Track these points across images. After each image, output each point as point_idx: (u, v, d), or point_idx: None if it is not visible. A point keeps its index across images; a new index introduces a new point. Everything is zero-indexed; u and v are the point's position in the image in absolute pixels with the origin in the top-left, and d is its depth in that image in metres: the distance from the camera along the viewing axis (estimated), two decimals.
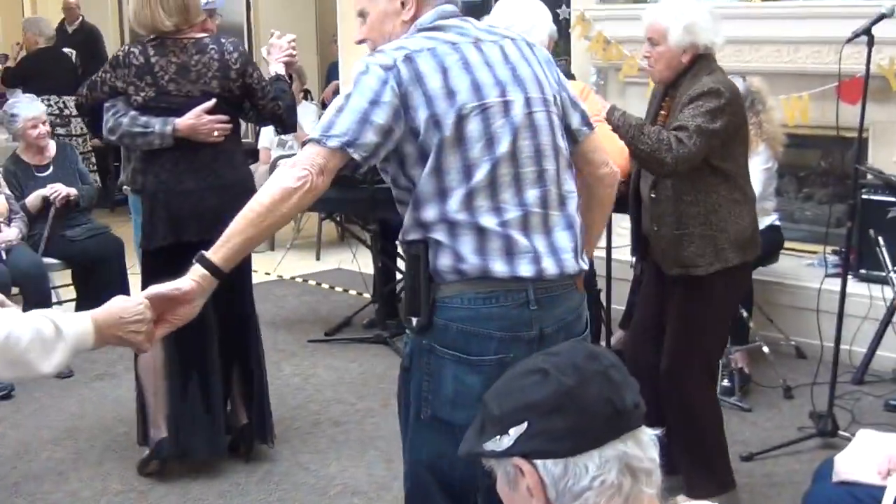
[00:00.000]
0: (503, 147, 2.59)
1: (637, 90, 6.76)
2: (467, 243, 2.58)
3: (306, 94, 9.77)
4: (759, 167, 5.52)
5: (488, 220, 2.58)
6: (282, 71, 4.45)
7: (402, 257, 4.94)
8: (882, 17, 4.61)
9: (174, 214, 4.31)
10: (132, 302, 2.33)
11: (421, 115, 2.54)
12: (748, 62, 6.33)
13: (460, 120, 2.55)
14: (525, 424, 1.56)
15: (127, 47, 4.38)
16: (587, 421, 1.55)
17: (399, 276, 6.57)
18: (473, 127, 2.57)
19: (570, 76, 7.36)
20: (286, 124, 4.50)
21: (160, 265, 4.05)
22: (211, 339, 4.47)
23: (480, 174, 2.57)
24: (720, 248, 3.96)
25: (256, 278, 7.66)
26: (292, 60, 4.51)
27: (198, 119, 4.22)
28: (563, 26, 7.43)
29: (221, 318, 4.43)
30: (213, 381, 4.53)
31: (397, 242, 2.78)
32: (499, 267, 2.58)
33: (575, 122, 2.80)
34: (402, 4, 2.67)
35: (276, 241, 8.79)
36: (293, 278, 7.99)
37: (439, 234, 2.58)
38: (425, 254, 2.59)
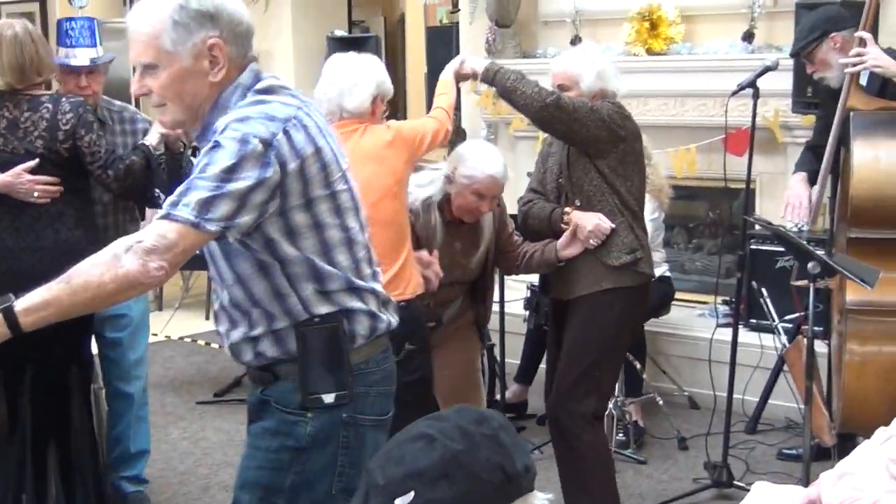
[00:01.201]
0: (359, 211, 2.61)
1: (526, 144, 6.79)
2: (372, 303, 2.59)
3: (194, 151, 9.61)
4: (646, 217, 5.53)
5: (373, 282, 2.61)
6: (152, 142, 4.29)
7: None
8: (766, 69, 4.69)
9: None
10: None
11: (301, 188, 2.43)
12: (636, 115, 6.33)
13: (334, 191, 2.49)
14: (411, 494, 1.48)
15: None
16: (477, 488, 1.48)
17: None
18: (345, 196, 2.53)
19: (461, 131, 7.41)
20: (119, 195, 4.31)
21: None
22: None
23: (359, 239, 2.58)
24: (608, 267, 4.09)
25: None
26: (169, 134, 4.32)
27: (16, 178, 4.05)
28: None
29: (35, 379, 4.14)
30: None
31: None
32: (393, 319, 2.65)
33: None
34: (211, 64, 2.45)
35: (164, 300, 8.59)
36: (181, 338, 7.79)
37: (352, 301, 2.54)
38: (341, 325, 2.52)
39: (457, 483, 1.48)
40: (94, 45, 4.45)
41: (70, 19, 4.52)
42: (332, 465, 2.56)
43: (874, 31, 4.64)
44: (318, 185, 2.45)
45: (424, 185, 4.35)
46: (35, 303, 2.29)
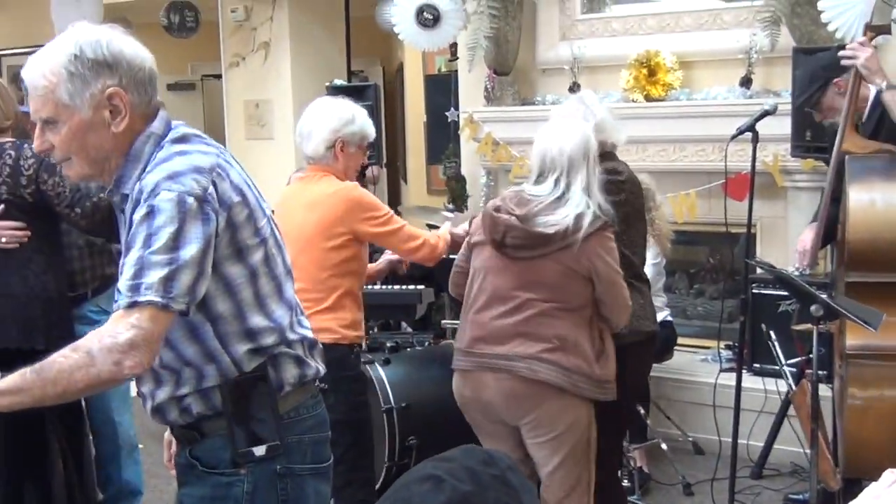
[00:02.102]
0: (284, 255, 2.55)
1: None
2: (300, 349, 2.53)
3: None
4: (648, 262, 5.54)
5: (301, 328, 2.57)
6: None
7: None
8: (765, 113, 4.70)
9: None
10: None
11: (230, 237, 2.36)
12: (635, 161, 6.37)
13: (263, 238, 2.43)
14: None
15: None
16: None
17: None
18: (271, 242, 2.47)
19: (461, 178, 7.43)
20: (89, 232, 4.25)
21: None
22: None
23: (287, 284, 2.52)
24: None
25: None
26: None
27: None
28: (452, 128, 7.50)
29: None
30: None
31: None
32: (320, 366, 2.61)
33: None
34: (113, 114, 2.34)
35: None
36: None
37: (280, 348, 2.47)
38: (267, 374, 2.45)
39: None
40: None
41: None
42: None
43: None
44: (247, 233, 2.38)
45: None
46: (9, 387, 2.25)
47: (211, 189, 2.30)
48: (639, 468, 5.38)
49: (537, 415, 3.67)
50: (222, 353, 2.40)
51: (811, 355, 3.95)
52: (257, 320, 2.42)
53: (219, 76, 9.78)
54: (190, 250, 2.24)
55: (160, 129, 2.41)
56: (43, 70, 2.32)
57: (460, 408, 3.89)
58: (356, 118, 4.06)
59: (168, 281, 2.22)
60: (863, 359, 4.34)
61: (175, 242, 2.23)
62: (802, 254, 4.76)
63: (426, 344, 6.01)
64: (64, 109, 2.32)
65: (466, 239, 3.97)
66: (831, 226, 4.82)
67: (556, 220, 3.59)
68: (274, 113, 8.99)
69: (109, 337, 2.20)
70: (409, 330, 6.66)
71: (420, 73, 9.55)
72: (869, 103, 4.56)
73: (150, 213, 2.25)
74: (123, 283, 2.25)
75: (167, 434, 2.71)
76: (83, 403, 4.50)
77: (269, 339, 2.44)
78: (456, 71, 7.66)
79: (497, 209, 3.71)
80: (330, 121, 4.03)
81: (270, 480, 2.45)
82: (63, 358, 2.23)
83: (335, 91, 7.68)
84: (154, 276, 2.22)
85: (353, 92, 7.59)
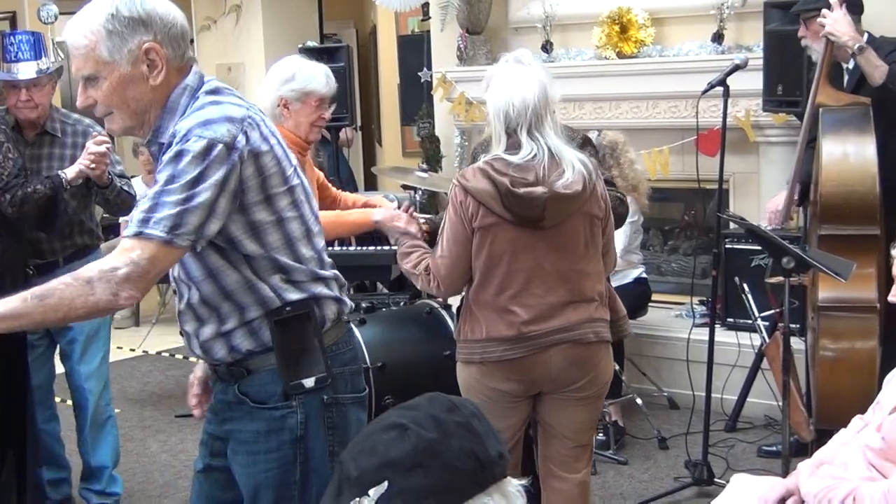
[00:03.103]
0: (312, 202, 2.68)
1: None
2: (335, 288, 2.68)
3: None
4: (627, 220, 5.56)
5: (332, 269, 2.71)
6: (68, 175, 4.27)
7: None
8: (736, 67, 4.69)
9: None
10: None
11: (260, 184, 2.48)
12: (609, 119, 6.42)
13: (290, 186, 2.56)
14: (385, 484, 1.47)
15: None
16: (450, 476, 1.47)
17: None
18: (299, 190, 2.60)
19: (435, 139, 7.42)
20: (14, 218, 4.26)
21: None
22: None
23: (315, 228, 2.66)
24: None
25: (121, 355, 7.50)
26: (90, 172, 4.29)
27: None
28: (425, 89, 7.48)
29: None
30: None
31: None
32: (350, 302, 2.76)
33: None
34: (150, 67, 2.48)
35: (141, 316, 8.56)
36: (159, 353, 7.76)
37: (319, 288, 2.61)
38: (313, 310, 2.59)
39: (431, 472, 1.47)
40: (37, 58, 4.42)
41: (12, 34, 4.55)
42: (326, 447, 2.62)
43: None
44: (276, 180, 2.51)
45: None
46: (10, 311, 2.36)
47: (241, 137, 2.43)
48: (614, 423, 5.42)
49: (595, 374, 3.63)
50: (259, 282, 2.53)
51: (784, 308, 3.97)
52: (286, 260, 2.55)
53: (191, 41, 9.69)
54: (206, 193, 2.37)
55: (194, 81, 2.54)
56: (83, 30, 2.45)
57: (483, 399, 3.55)
58: (297, 75, 4.02)
59: (177, 218, 2.36)
60: (835, 311, 4.38)
61: (195, 185, 2.37)
62: (774, 213, 4.78)
63: (402, 304, 6.02)
64: (105, 66, 2.45)
65: (457, 227, 3.51)
66: (806, 182, 4.84)
67: (571, 177, 3.46)
68: (246, 76, 8.94)
69: (109, 270, 2.35)
70: (385, 291, 6.67)
71: (393, 35, 9.51)
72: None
73: (179, 155, 2.39)
74: (137, 213, 2.40)
75: (195, 374, 2.87)
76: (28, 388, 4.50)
77: (300, 276, 2.58)
78: (428, 31, 7.63)
79: (515, 184, 3.42)
80: (272, 81, 4.05)
81: (319, 410, 2.61)
82: (63, 286, 2.36)
83: (307, 53, 7.67)
84: (165, 212, 2.36)
85: (325, 53, 7.58)
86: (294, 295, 2.57)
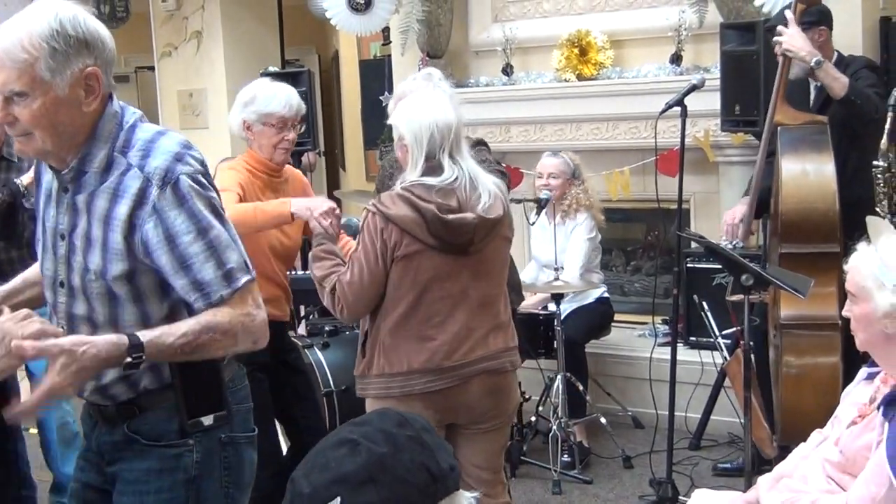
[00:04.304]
0: None
1: None
2: None
3: None
4: (584, 236, 5.60)
5: None
6: (24, 181, 4.21)
7: None
8: (693, 88, 4.74)
9: None
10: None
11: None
12: (570, 140, 6.45)
13: None
14: (338, 500, 1.47)
15: None
16: (402, 490, 1.47)
17: None
18: None
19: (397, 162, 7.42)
20: None
21: None
22: None
23: None
24: None
25: None
26: None
27: None
28: (387, 112, 7.48)
29: None
30: None
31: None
32: None
33: None
34: (87, 92, 2.34)
35: None
36: None
37: None
38: None
39: (383, 486, 1.47)
40: None
41: None
42: (220, 488, 2.52)
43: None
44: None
45: None
46: (162, 356, 2.35)
47: (199, 156, 2.44)
48: (579, 443, 5.42)
49: (507, 402, 3.63)
50: (182, 315, 2.44)
51: (745, 325, 3.99)
52: None
53: (153, 68, 9.69)
54: (224, 223, 2.41)
55: (118, 108, 2.44)
56: (22, 41, 2.26)
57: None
58: (256, 97, 4.03)
59: (242, 256, 2.41)
60: (797, 328, 4.40)
61: (220, 220, 2.40)
62: (732, 227, 4.80)
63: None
64: (41, 85, 2.29)
65: (371, 256, 3.43)
66: (764, 198, 4.88)
67: (489, 201, 3.43)
68: (208, 102, 8.92)
69: (249, 319, 2.39)
70: None
71: (355, 60, 9.52)
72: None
73: (181, 201, 2.34)
74: (210, 274, 2.35)
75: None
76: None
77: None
78: (390, 56, 7.65)
79: (441, 210, 3.36)
80: (236, 105, 4.08)
81: (214, 448, 2.50)
82: (214, 342, 2.35)
83: (268, 78, 7.66)
84: (231, 257, 2.38)
85: (287, 78, 7.53)
86: None
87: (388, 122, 3.66)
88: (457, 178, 3.41)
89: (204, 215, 2.35)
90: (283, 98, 4.05)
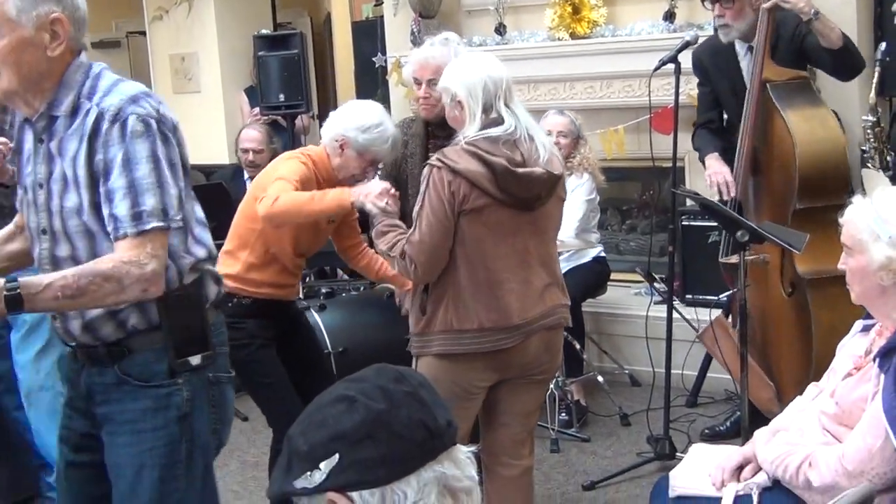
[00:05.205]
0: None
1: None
2: (215, 267, 2.73)
3: None
4: (583, 197, 5.58)
5: (212, 249, 2.74)
6: None
7: None
8: (687, 44, 4.72)
9: None
10: None
11: (180, 153, 2.58)
12: (564, 99, 6.42)
13: (185, 162, 2.63)
14: (336, 456, 1.48)
15: None
16: (400, 446, 1.48)
17: None
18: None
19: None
20: None
21: None
22: None
23: (198, 208, 2.71)
24: None
25: None
26: None
27: None
28: (380, 74, 7.46)
29: None
30: None
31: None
32: (222, 289, 2.82)
33: None
34: (52, 38, 2.47)
35: None
36: None
37: (208, 264, 2.66)
38: (200, 287, 2.63)
39: (381, 442, 1.47)
40: None
41: None
42: (209, 424, 2.67)
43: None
44: (184, 152, 2.59)
45: None
46: (48, 307, 2.47)
47: (162, 109, 2.51)
48: (576, 401, 5.44)
49: (557, 357, 3.69)
50: (170, 264, 2.54)
51: (740, 285, 3.99)
52: (190, 237, 2.60)
53: (144, 32, 9.62)
54: (168, 169, 2.47)
55: (87, 61, 2.56)
56: None
57: (458, 392, 3.46)
58: (374, 129, 4.01)
59: (162, 203, 2.44)
60: (822, 283, 4.37)
61: (156, 165, 2.44)
62: (724, 184, 4.77)
63: (361, 289, 6.02)
64: (6, 23, 2.42)
65: (440, 212, 3.35)
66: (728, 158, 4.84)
67: (546, 157, 3.41)
68: (200, 66, 8.87)
69: (136, 267, 2.41)
70: (345, 276, 6.67)
71: (347, 22, 9.47)
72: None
73: (123, 136, 2.43)
74: (123, 210, 2.42)
75: None
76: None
77: (201, 253, 2.63)
78: (382, 17, 7.60)
79: (511, 163, 3.33)
80: (349, 117, 4.08)
81: (202, 387, 2.64)
82: (96, 287, 2.40)
83: (261, 41, 7.62)
84: (149, 201, 2.43)
85: (279, 41, 7.55)
86: (191, 277, 2.60)
87: (439, 87, 3.59)
88: (516, 128, 3.40)
89: (138, 156, 2.43)
90: (391, 145, 4.04)
